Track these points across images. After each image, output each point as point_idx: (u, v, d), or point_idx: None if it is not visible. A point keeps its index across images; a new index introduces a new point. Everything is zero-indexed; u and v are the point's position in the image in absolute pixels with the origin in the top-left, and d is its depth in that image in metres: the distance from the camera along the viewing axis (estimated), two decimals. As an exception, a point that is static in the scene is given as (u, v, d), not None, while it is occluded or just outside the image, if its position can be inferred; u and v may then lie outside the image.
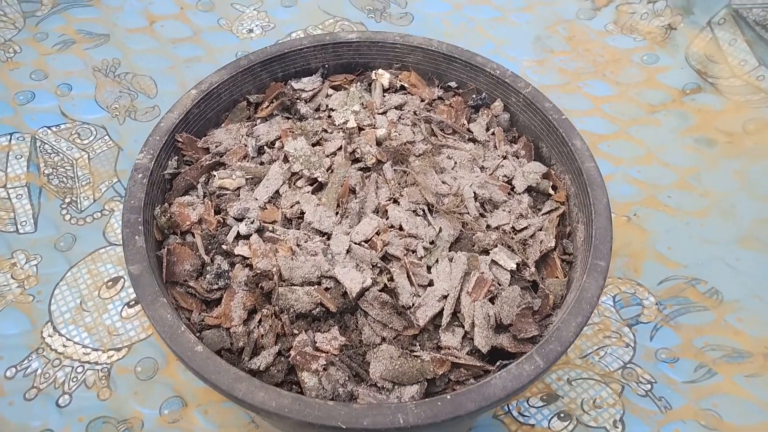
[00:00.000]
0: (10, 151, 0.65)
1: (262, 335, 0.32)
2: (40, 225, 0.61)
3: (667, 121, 0.71)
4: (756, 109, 0.70)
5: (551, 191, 0.39)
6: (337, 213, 0.35)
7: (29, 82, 0.72)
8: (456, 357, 0.31)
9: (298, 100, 0.42)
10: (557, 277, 0.35)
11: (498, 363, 0.31)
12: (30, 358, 0.53)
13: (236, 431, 0.50)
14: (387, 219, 0.35)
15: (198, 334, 0.32)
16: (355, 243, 0.34)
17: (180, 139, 0.37)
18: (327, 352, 0.31)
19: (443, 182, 0.37)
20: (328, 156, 0.37)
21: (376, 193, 0.36)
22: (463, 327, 0.33)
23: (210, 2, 0.82)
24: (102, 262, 0.59)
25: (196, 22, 0.80)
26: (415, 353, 0.32)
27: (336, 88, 0.43)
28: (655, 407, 0.51)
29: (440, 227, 0.34)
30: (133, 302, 0.56)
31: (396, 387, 0.31)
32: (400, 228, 0.35)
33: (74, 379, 0.52)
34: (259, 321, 0.32)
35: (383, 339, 0.32)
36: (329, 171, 0.36)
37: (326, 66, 0.44)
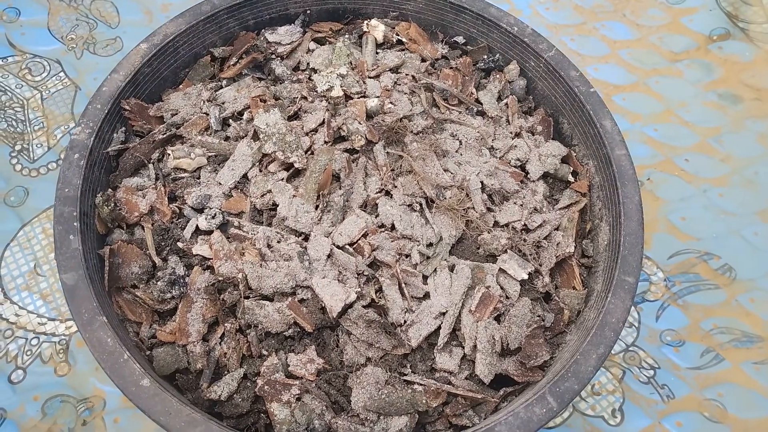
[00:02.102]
0: (-52, 88, 0.57)
1: (225, 354, 0.27)
2: (-14, 176, 0.54)
3: (689, 73, 0.64)
4: (790, 62, 0.63)
5: (571, 178, 0.33)
6: (317, 207, 0.29)
7: (-31, 3, 0.63)
8: (453, 386, 0.27)
9: (273, 57, 0.34)
10: (575, 288, 0.30)
11: (502, 391, 0.27)
12: (-22, 328, 0.48)
13: (208, 412, 0.46)
14: (377, 216, 0.29)
15: (148, 353, 0.27)
16: (338, 246, 0.28)
17: (127, 107, 0.31)
18: (301, 378, 0.26)
19: (445, 170, 0.31)
20: (307, 134, 0.31)
21: (365, 183, 0.30)
22: (463, 347, 0.28)
23: None
24: (58, 220, 0.53)
25: (165, -64, 0.69)
26: (405, 377, 0.27)
27: (319, 42, 0.36)
28: (657, 396, 0.48)
29: (440, 234, 0.28)
30: (94, 267, 0.51)
31: (382, 418, 0.26)
32: (392, 228, 0.29)
33: (29, 352, 0.48)
34: (222, 337, 0.27)
35: (368, 359, 0.27)
36: (308, 153, 0.30)
37: (308, 12, 0.36)
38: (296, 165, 0.29)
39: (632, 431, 0.46)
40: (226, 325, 0.27)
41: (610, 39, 0.66)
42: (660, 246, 0.55)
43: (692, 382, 0.48)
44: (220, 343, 0.27)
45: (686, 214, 0.56)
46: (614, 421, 0.46)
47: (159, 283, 0.27)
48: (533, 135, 0.34)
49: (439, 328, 0.28)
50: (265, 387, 0.26)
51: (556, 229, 0.31)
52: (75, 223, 0.27)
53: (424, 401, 0.26)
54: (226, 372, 0.27)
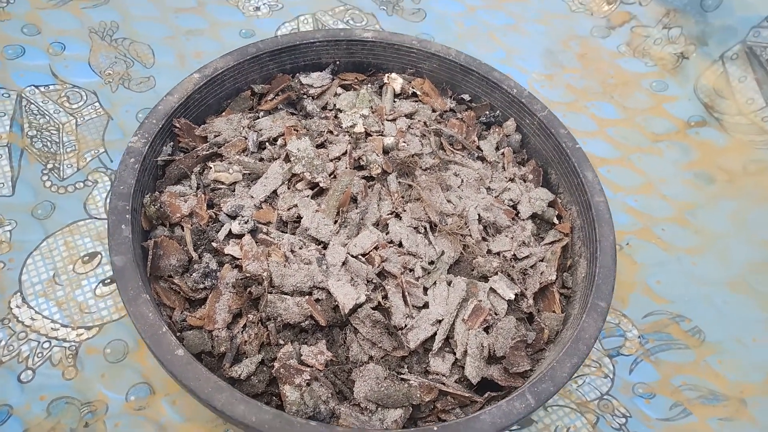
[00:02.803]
0: (-7, 107, 0.62)
1: (246, 341, 0.30)
2: (18, 189, 0.58)
3: (669, 152, 0.70)
4: (759, 150, 0.70)
5: (556, 221, 0.38)
6: (335, 222, 0.33)
7: (20, 36, 0.69)
8: (444, 385, 0.30)
9: (305, 96, 0.40)
10: (554, 311, 0.34)
11: (486, 395, 0.30)
12: (-6, 328, 0.51)
13: (204, 425, 0.49)
14: (387, 233, 0.34)
15: (179, 334, 0.30)
16: (352, 255, 0.32)
17: (177, 125, 0.36)
18: (312, 367, 0.30)
19: (448, 201, 0.35)
20: (331, 160, 0.36)
21: (378, 205, 0.34)
22: (454, 354, 0.32)
23: (218, -26, 0.79)
24: (80, 234, 0.56)
25: (202, -7, 0.77)
26: (402, 376, 0.31)
27: (345, 87, 0.41)
28: (628, 442, 0.51)
29: (442, 251, 0.33)
30: (109, 281, 0.54)
31: (379, 409, 0.30)
32: (400, 244, 0.33)
33: (39, 355, 0.50)
34: (244, 326, 0.31)
35: (371, 358, 0.31)
36: (332, 176, 0.35)
37: (337, 62, 0.42)
38: (321, 185, 0.34)
39: (603, 473, 0.49)
40: (249, 315, 0.31)
41: (598, 117, 0.72)
42: (636, 306, 0.59)
43: (661, 433, 0.51)
44: (242, 332, 0.31)
45: (661, 278, 0.61)
46: (587, 462, 0.49)
47: (194, 274, 0.31)
48: (525, 182, 0.39)
49: (435, 334, 0.31)
50: (281, 369, 0.29)
51: (541, 260, 0.35)
52: (127, 216, 0.31)
53: (418, 395, 0.30)
54: (245, 356, 0.30)
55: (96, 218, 0.57)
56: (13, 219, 0.56)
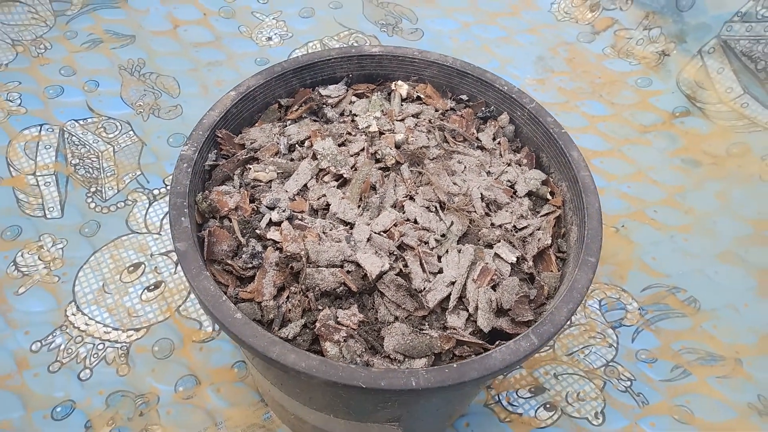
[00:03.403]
0: (39, 141, 0.69)
1: (290, 309, 0.36)
2: (66, 211, 0.65)
3: (657, 142, 0.76)
4: (740, 134, 0.75)
5: (549, 196, 0.43)
6: (359, 206, 0.39)
7: (59, 77, 0.76)
8: (461, 335, 0.36)
9: (325, 105, 0.46)
10: (552, 271, 0.39)
11: (497, 342, 0.36)
12: (54, 334, 0.57)
13: (246, 408, 0.54)
14: (403, 213, 0.39)
15: (234, 306, 0.36)
16: (375, 232, 0.38)
17: (220, 135, 0.42)
18: (347, 326, 0.35)
19: (454, 183, 0.41)
20: (352, 155, 0.41)
21: (395, 191, 0.40)
22: (468, 311, 0.37)
23: (231, 10, 0.87)
24: (124, 248, 0.63)
25: (218, 28, 0.84)
26: (424, 331, 0.36)
27: (359, 96, 0.48)
28: (633, 402, 0.55)
29: (451, 221, 0.38)
30: (153, 287, 0.60)
31: (407, 359, 0.35)
32: (415, 221, 0.39)
33: (95, 355, 0.56)
34: (287, 297, 0.36)
35: (396, 318, 0.36)
36: (353, 169, 0.41)
37: (350, 76, 0.48)
38: (345, 176, 0.40)
39: (613, 430, 0.54)
40: (291, 288, 0.37)
41: (589, 114, 0.78)
42: (634, 281, 0.64)
43: (664, 392, 0.56)
44: (286, 301, 0.36)
45: (656, 255, 0.66)
46: (597, 422, 0.54)
47: (243, 256, 0.37)
48: (520, 166, 0.45)
49: (450, 294, 0.37)
50: (322, 328, 0.35)
51: (538, 229, 0.41)
52: (185, 209, 0.37)
53: (438, 345, 0.35)
54: (290, 322, 0.36)
55: (138, 233, 0.64)
56: (64, 238, 0.62)
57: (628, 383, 0.57)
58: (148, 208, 0.65)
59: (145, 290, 0.60)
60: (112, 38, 0.81)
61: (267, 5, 0.88)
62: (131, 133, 0.72)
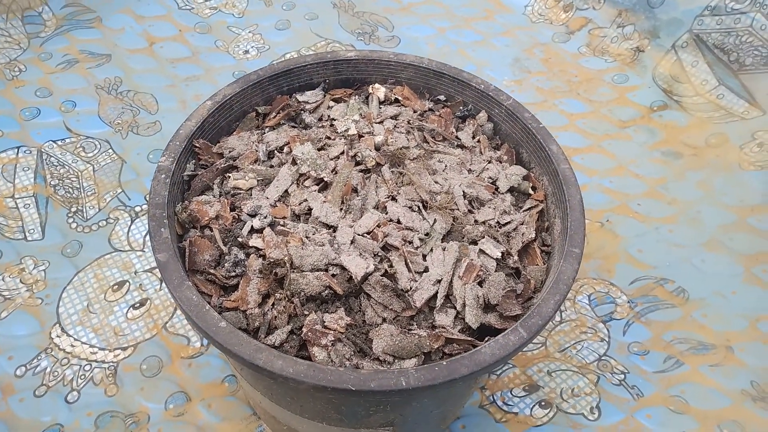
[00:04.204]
0: (17, 164, 0.68)
1: (276, 316, 0.35)
2: (47, 232, 0.64)
3: (636, 136, 0.76)
4: (717, 125, 0.76)
5: (531, 191, 0.43)
6: (341, 209, 0.39)
7: (34, 99, 0.75)
8: (449, 333, 0.35)
9: (303, 111, 0.46)
10: (537, 264, 0.39)
11: (486, 338, 0.35)
12: (39, 358, 0.56)
13: (238, 422, 0.53)
14: (386, 214, 0.39)
15: (218, 315, 0.35)
16: (359, 234, 0.38)
17: (197, 145, 0.41)
18: (334, 330, 0.35)
19: (435, 182, 0.41)
20: (332, 159, 0.41)
21: (376, 192, 0.40)
22: (455, 308, 0.37)
23: (207, 25, 0.87)
24: (108, 267, 0.62)
25: (194, 44, 0.84)
26: (412, 331, 0.36)
27: (336, 101, 0.47)
28: (628, 395, 0.55)
29: (435, 220, 0.38)
30: (138, 304, 0.60)
31: (396, 360, 0.35)
32: (398, 221, 0.39)
33: (82, 377, 0.55)
34: (273, 304, 0.36)
35: (384, 319, 0.36)
36: (334, 172, 0.41)
37: (327, 81, 0.48)
38: (325, 179, 0.40)
39: (609, 424, 0.53)
40: (276, 294, 0.36)
41: (567, 112, 0.79)
42: (622, 274, 0.64)
43: (658, 383, 0.56)
44: (271, 308, 0.36)
45: (642, 247, 0.66)
46: (593, 416, 0.54)
47: (226, 265, 0.37)
48: (501, 162, 0.45)
49: (437, 293, 0.37)
50: (309, 333, 0.34)
51: (521, 224, 0.41)
52: (164, 220, 0.36)
53: (427, 344, 0.35)
54: (276, 329, 0.35)
55: (121, 251, 0.63)
56: (45, 260, 0.62)
57: (622, 376, 0.57)
58: (131, 225, 0.64)
59: (131, 308, 0.59)
60: (87, 58, 0.80)
61: (243, 19, 0.88)
62: (110, 151, 0.71)
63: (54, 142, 0.71)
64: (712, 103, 0.78)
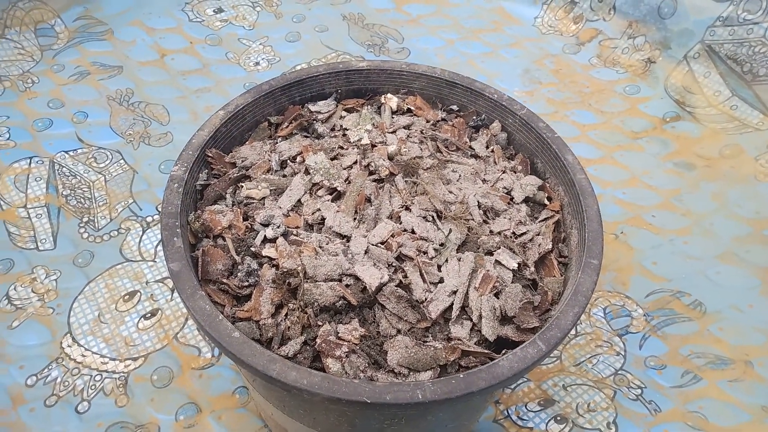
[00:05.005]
0: (29, 174, 0.68)
1: (289, 327, 0.35)
2: (59, 242, 0.64)
3: (649, 147, 0.76)
4: (731, 136, 0.76)
5: (546, 202, 0.43)
6: (354, 219, 0.39)
7: (47, 110, 0.76)
8: (466, 345, 0.35)
9: (315, 121, 0.46)
10: (554, 276, 0.39)
11: (503, 351, 0.35)
12: (50, 367, 0.55)
13: (249, 436, 0.52)
14: (400, 224, 0.39)
15: (231, 325, 0.35)
16: (372, 244, 0.37)
17: (210, 154, 0.41)
18: (349, 341, 0.34)
19: (450, 192, 0.40)
20: (345, 168, 0.41)
21: (390, 202, 0.40)
22: (471, 320, 0.36)
23: (218, 37, 0.87)
24: (119, 277, 0.62)
25: (205, 56, 0.85)
26: (428, 343, 0.35)
27: (349, 111, 0.47)
28: (645, 410, 0.54)
29: (450, 230, 0.38)
30: (149, 314, 0.59)
31: (411, 373, 0.34)
32: (412, 231, 0.38)
33: (92, 387, 0.55)
34: (286, 314, 0.35)
35: (399, 331, 0.36)
36: (347, 182, 0.40)
37: (339, 91, 0.48)
38: (339, 189, 0.39)
39: (625, 439, 0.52)
40: (289, 304, 0.36)
41: (579, 123, 0.78)
42: (637, 287, 0.63)
43: (675, 399, 0.55)
44: (285, 319, 0.35)
45: (657, 259, 0.65)
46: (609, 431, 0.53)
47: (239, 275, 0.36)
48: (515, 173, 0.44)
49: (452, 304, 0.36)
50: (323, 344, 0.34)
51: (538, 234, 0.40)
52: (177, 230, 0.36)
53: (443, 356, 0.34)
54: (290, 339, 0.35)
55: (132, 261, 0.63)
56: (57, 269, 0.61)
57: (639, 391, 0.56)
58: (142, 235, 0.64)
59: (142, 318, 0.59)
60: (99, 70, 0.81)
61: (253, 31, 0.89)
62: (122, 161, 0.71)
63: (66, 152, 0.71)
64: (725, 114, 0.77)
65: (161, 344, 0.57)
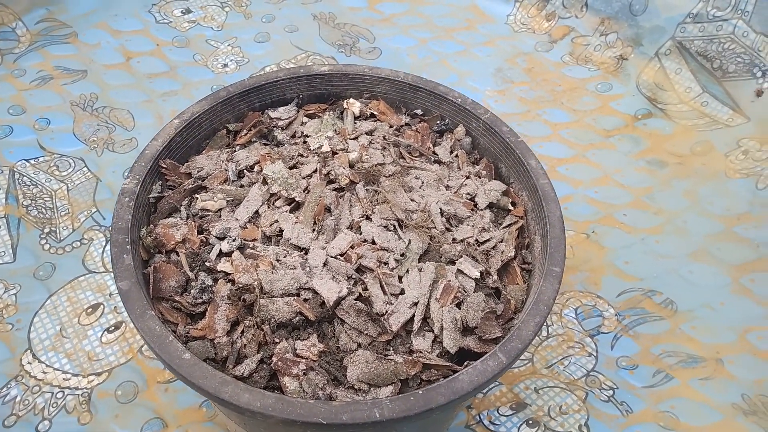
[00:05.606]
0: (-12, 184, 0.66)
1: (245, 345, 0.34)
2: (19, 255, 0.62)
3: (621, 145, 0.75)
4: (702, 133, 0.76)
5: (510, 207, 0.42)
6: (313, 230, 0.37)
7: (7, 116, 0.73)
8: (427, 359, 0.34)
9: (275, 128, 0.45)
10: (517, 284, 0.38)
11: (465, 363, 0.34)
12: (9, 386, 0.54)
13: (217, 450, 0.51)
14: (360, 234, 0.38)
15: (184, 345, 0.34)
16: (331, 256, 0.36)
17: (164, 165, 0.40)
18: (307, 358, 0.33)
19: (412, 200, 0.40)
20: (304, 178, 0.40)
21: (350, 211, 0.39)
22: (433, 332, 0.35)
23: (185, 39, 0.85)
24: (82, 289, 0.60)
25: (171, 58, 0.83)
26: (389, 357, 0.34)
27: (310, 117, 0.46)
28: (617, 411, 0.54)
29: (410, 240, 0.37)
30: (113, 328, 0.58)
31: (372, 388, 0.33)
32: (373, 242, 0.37)
33: (54, 405, 0.53)
34: (242, 332, 0.34)
35: (359, 345, 0.35)
36: (306, 191, 0.39)
37: (301, 96, 0.47)
38: (297, 199, 0.38)
39: (598, 443, 0.52)
40: (245, 321, 0.35)
41: (551, 122, 0.78)
42: (609, 287, 0.63)
43: (647, 399, 0.55)
44: (240, 336, 0.34)
45: (629, 258, 0.65)
46: (581, 435, 0.52)
47: (192, 291, 0.35)
48: (479, 178, 0.44)
49: (414, 316, 0.35)
50: (279, 363, 0.33)
51: (501, 242, 0.39)
52: (127, 246, 0.35)
53: (404, 370, 0.33)
54: (246, 358, 0.34)
55: (95, 272, 0.61)
56: (17, 283, 0.60)
57: (611, 392, 0.55)
58: (105, 245, 0.63)
59: (105, 332, 0.58)
60: (62, 74, 0.79)
61: (222, 32, 0.87)
62: (85, 169, 0.69)
63: (27, 161, 0.69)
64: (696, 110, 0.77)
65: (125, 358, 0.56)
